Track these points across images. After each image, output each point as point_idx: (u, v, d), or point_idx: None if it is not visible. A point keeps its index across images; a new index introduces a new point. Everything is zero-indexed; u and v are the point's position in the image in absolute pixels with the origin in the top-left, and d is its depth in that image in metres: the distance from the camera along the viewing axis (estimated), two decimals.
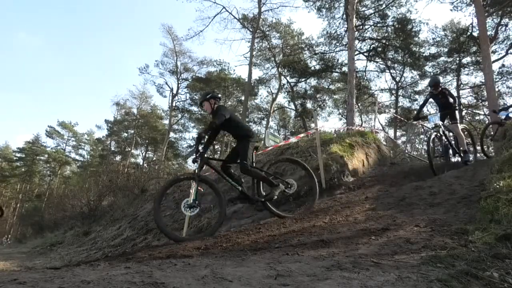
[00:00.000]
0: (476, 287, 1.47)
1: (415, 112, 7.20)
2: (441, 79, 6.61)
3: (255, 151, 4.35)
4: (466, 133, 6.70)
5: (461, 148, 5.95)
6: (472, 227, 2.31)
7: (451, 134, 6.20)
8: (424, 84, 25.53)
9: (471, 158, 5.89)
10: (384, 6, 22.33)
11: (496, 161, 3.80)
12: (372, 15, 22.86)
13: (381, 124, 23.64)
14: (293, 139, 8.07)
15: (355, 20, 15.44)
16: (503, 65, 22.57)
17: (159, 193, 4.29)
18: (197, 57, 31.75)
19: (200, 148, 4.04)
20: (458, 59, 23.64)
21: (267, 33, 26.23)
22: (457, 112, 6.23)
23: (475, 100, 25.08)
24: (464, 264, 1.71)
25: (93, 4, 74.57)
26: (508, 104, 8.43)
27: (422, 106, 6.85)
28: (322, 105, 28.31)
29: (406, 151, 11.51)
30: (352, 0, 14.73)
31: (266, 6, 24.20)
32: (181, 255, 2.65)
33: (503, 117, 7.21)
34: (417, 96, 26.07)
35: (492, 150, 7.70)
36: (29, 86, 79.88)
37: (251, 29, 24.73)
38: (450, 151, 6.13)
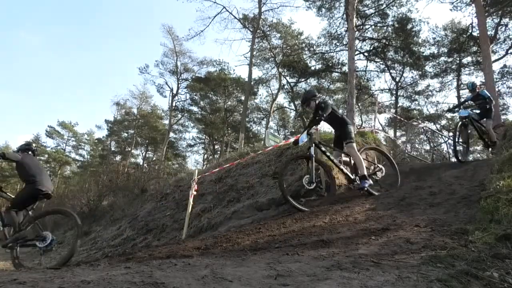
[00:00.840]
0: (476, 287, 1.47)
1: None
2: (316, 92, 5.02)
3: (45, 199, 4.68)
4: (371, 153, 5.68)
5: (359, 173, 4.62)
6: (472, 227, 2.31)
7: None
8: (424, 84, 25.58)
9: (367, 185, 4.54)
10: (384, 6, 22.35)
11: (496, 161, 3.80)
12: (372, 15, 22.87)
13: (381, 124, 23.64)
14: (293, 139, 8.06)
15: (355, 20, 15.44)
16: (504, 66, 22.60)
17: None
18: (197, 57, 31.77)
19: None
20: (458, 59, 23.64)
21: (268, 33, 26.25)
22: (350, 127, 4.81)
23: None
24: (464, 264, 1.71)
25: (93, 4, 74.58)
26: (458, 102, 8.15)
27: (307, 127, 4.87)
28: None
29: (406, 151, 11.53)
30: (352, 0, 14.73)
31: (267, 6, 24.25)
32: (181, 255, 2.65)
33: (462, 115, 6.63)
34: (417, 96, 26.11)
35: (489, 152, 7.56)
36: (29, 85, 79.73)
37: (251, 29, 24.75)
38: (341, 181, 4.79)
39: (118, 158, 38.49)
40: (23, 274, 1.85)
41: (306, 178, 4.41)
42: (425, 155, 12.64)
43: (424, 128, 14.84)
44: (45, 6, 72.42)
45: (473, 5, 16.18)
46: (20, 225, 4.32)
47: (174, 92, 31.49)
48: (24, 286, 1.46)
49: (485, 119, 6.84)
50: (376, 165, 5.12)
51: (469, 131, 7.01)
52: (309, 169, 4.43)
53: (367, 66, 25.31)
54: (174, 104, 31.88)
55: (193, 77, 31.78)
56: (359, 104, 25.74)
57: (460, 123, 6.66)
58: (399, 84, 25.54)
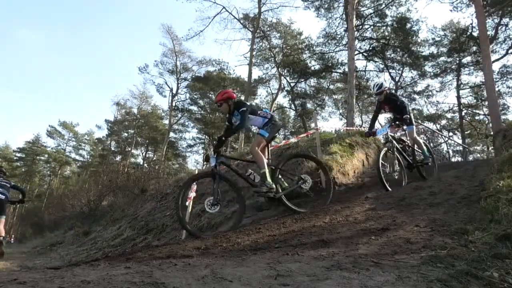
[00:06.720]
0: (476, 287, 1.47)
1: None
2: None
3: None
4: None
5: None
6: (472, 227, 2.31)
7: None
8: (423, 84, 25.59)
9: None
10: (383, 5, 22.36)
11: (496, 161, 3.80)
12: (371, 14, 22.89)
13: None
14: (293, 139, 8.07)
15: (354, 19, 15.44)
16: (504, 65, 22.62)
17: None
18: (196, 57, 31.85)
19: None
20: (458, 59, 23.64)
21: (267, 33, 26.25)
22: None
23: (475, 100, 25.12)
24: (464, 264, 1.71)
25: (93, 4, 74.59)
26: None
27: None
28: (322, 105, 28.33)
29: None
30: (352, 0, 14.73)
31: (266, 6, 24.25)
32: (181, 255, 2.65)
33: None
34: (416, 96, 26.13)
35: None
36: (30, 85, 79.84)
37: (251, 29, 24.75)
38: None
39: (118, 158, 38.50)
40: (23, 274, 1.85)
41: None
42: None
43: (424, 128, 14.86)
44: (47, 4, 72.45)
45: (473, 5, 16.18)
46: None
47: (174, 91, 31.54)
48: (24, 286, 1.46)
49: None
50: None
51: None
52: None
53: (366, 66, 25.37)
54: (174, 104, 31.89)
55: (193, 76, 31.82)
56: (359, 104, 25.75)
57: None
58: (399, 83, 25.56)
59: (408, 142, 5.74)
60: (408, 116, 5.44)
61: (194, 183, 5.11)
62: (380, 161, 4.99)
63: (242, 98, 28.49)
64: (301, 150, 7.06)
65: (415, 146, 5.77)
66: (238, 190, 4.22)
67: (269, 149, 4.44)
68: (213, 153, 4.11)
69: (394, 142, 5.32)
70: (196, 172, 6.65)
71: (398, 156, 5.30)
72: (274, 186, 4.08)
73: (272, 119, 4.31)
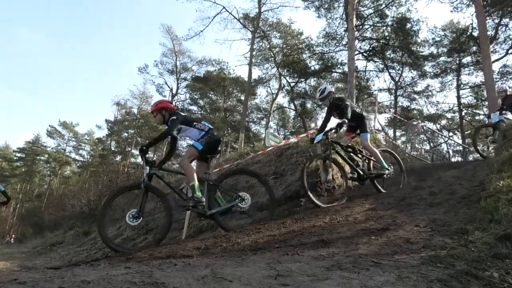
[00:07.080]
0: (476, 287, 1.48)
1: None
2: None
3: None
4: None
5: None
6: (472, 227, 2.31)
7: None
8: (423, 84, 25.60)
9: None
10: (383, 6, 22.38)
11: (496, 161, 3.80)
12: (371, 14, 22.91)
13: (380, 125, 23.70)
14: (293, 139, 8.08)
15: (355, 19, 15.45)
16: (504, 65, 22.62)
17: None
18: (196, 57, 31.85)
19: None
20: (458, 59, 23.65)
21: (267, 33, 26.27)
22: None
23: (475, 100, 25.13)
24: (464, 264, 1.71)
25: (94, 4, 74.58)
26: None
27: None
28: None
29: (406, 151, 11.53)
30: (352, 0, 14.74)
31: (266, 6, 24.29)
32: (181, 255, 2.65)
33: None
34: (416, 96, 26.14)
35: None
36: (30, 85, 79.69)
37: (251, 29, 24.77)
38: None
39: (118, 158, 38.49)
40: (23, 274, 1.85)
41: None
42: (425, 155, 12.66)
43: (424, 128, 14.86)
44: (47, 4, 72.48)
45: (473, 5, 16.18)
46: None
47: (174, 91, 31.57)
48: (24, 286, 1.46)
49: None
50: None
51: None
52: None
53: (366, 66, 25.39)
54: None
55: (193, 76, 31.84)
56: (359, 104, 25.76)
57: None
58: (398, 83, 25.58)
59: (364, 151, 5.05)
60: (346, 119, 4.64)
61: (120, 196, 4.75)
62: (306, 170, 4.42)
63: (242, 97, 28.55)
64: (300, 150, 7.06)
65: (372, 157, 5.00)
66: (167, 204, 4.03)
67: (210, 163, 4.23)
68: (144, 165, 3.91)
69: (334, 149, 4.67)
70: None
71: (340, 164, 4.75)
72: (203, 200, 3.81)
73: (209, 133, 4.12)
